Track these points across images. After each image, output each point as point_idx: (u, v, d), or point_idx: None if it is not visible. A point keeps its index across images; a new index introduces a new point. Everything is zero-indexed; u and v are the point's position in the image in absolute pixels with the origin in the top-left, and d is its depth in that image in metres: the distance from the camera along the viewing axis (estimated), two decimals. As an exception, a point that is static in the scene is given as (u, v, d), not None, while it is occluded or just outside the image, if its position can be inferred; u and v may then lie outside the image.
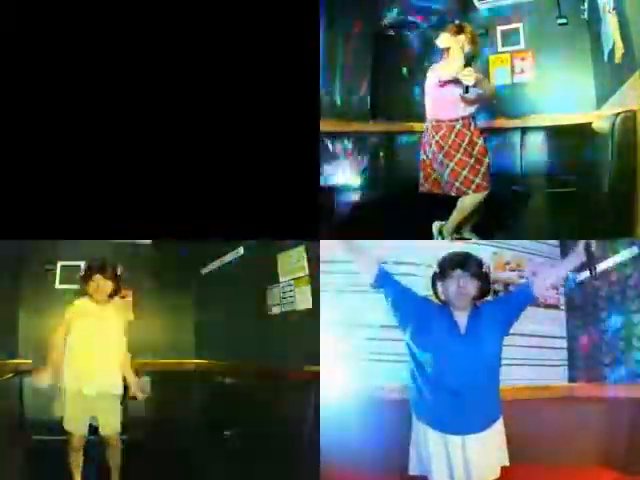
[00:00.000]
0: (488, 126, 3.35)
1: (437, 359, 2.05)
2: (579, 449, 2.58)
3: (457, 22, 3.05)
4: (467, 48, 2.96)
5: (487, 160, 3.09)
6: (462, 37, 2.96)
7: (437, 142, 3.06)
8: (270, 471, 2.68)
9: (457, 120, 3.03)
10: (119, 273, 2.86)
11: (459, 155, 3.03)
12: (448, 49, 3.00)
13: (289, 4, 2.50)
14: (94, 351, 2.74)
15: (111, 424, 2.78)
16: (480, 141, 3.09)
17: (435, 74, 3.02)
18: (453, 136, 3.04)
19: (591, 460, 2.57)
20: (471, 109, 3.05)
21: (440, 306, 2.15)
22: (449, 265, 2.09)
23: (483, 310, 2.13)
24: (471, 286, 2.07)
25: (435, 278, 2.14)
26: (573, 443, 2.59)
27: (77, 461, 2.75)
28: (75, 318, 2.78)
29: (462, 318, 2.09)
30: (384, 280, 2.16)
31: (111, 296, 2.85)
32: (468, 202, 3.09)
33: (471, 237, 3.19)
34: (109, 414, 2.78)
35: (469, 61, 2.96)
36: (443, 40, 3.00)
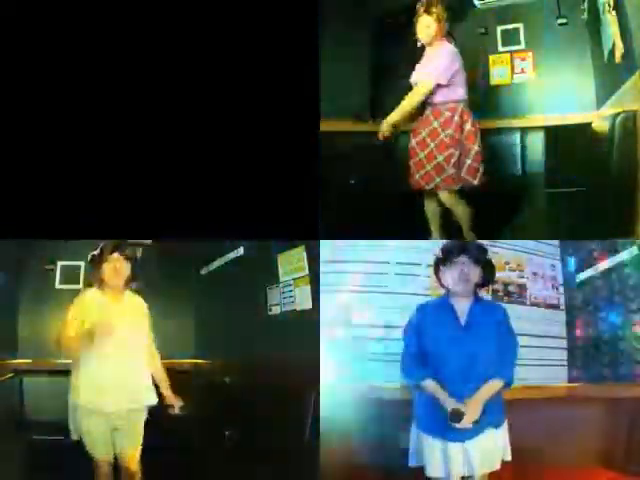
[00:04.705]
0: (488, 126, 3.34)
1: (437, 352, 2.05)
2: (579, 449, 2.58)
3: (422, 1, 2.91)
4: (432, 28, 2.88)
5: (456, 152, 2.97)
6: (427, 17, 2.89)
7: (434, 129, 2.96)
8: (270, 471, 2.68)
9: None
10: (138, 256, 2.46)
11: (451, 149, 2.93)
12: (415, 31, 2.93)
13: (289, 4, 2.50)
14: (115, 357, 2.28)
15: (135, 443, 2.39)
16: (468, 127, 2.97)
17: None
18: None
19: (591, 460, 2.57)
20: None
21: (439, 299, 2.17)
22: (453, 251, 2.09)
23: (486, 306, 2.14)
24: (474, 272, 2.07)
25: (438, 264, 2.14)
26: (573, 443, 2.59)
27: None
28: (86, 316, 2.24)
29: (463, 308, 2.09)
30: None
31: (127, 283, 2.40)
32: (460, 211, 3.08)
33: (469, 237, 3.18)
34: (135, 431, 2.39)
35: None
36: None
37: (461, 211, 3.08)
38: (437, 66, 2.91)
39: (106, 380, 2.27)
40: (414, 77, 3.01)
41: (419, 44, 2.99)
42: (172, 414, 2.53)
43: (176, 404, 2.52)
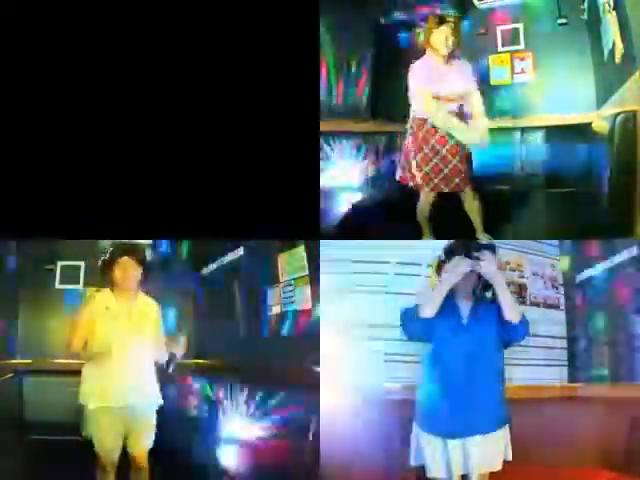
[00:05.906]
0: (487, 126, 3.34)
1: (439, 350, 2.05)
2: (579, 449, 2.58)
3: (437, 13, 2.93)
4: (450, 40, 2.83)
5: (455, 161, 2.98)
6: (444, 28, 2.82)
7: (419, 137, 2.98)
8: (270, 471, 2.68)
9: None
10: (148, 259, 2.51)
11: (425, 150, 2.96)
12: (429, 43, 2.87)
13: (288, 4, 2.50)
14: (126, 359, 2.36)
15: (145, 442, 2.44)
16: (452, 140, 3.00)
17: (417, 73, 2.93)
18: (423, 131, 2.95)
19: (591, 460, 2.57)
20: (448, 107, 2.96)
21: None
22: (455, 251, 2.09)
23: (488, 305, 2.13)
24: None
25: (441, 264, 2.13)
26: (573, 443, 2.59)
27: None
28: (98, 319, 2.37)
29: (465, 306, 2.10)
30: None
31: (139, 286, 2.46)
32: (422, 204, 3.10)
33: (484, 238, 3.16)
34: (144, 431, 2.44)
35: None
36: (426, 36, 2.89)
37: (476, 212, 3.11)
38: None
39: (116, 378, 2.35)
40: (465, 85, 2.94)
41: (438, 54, 2.89)
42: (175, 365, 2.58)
43: (178, 352, 2.56)
